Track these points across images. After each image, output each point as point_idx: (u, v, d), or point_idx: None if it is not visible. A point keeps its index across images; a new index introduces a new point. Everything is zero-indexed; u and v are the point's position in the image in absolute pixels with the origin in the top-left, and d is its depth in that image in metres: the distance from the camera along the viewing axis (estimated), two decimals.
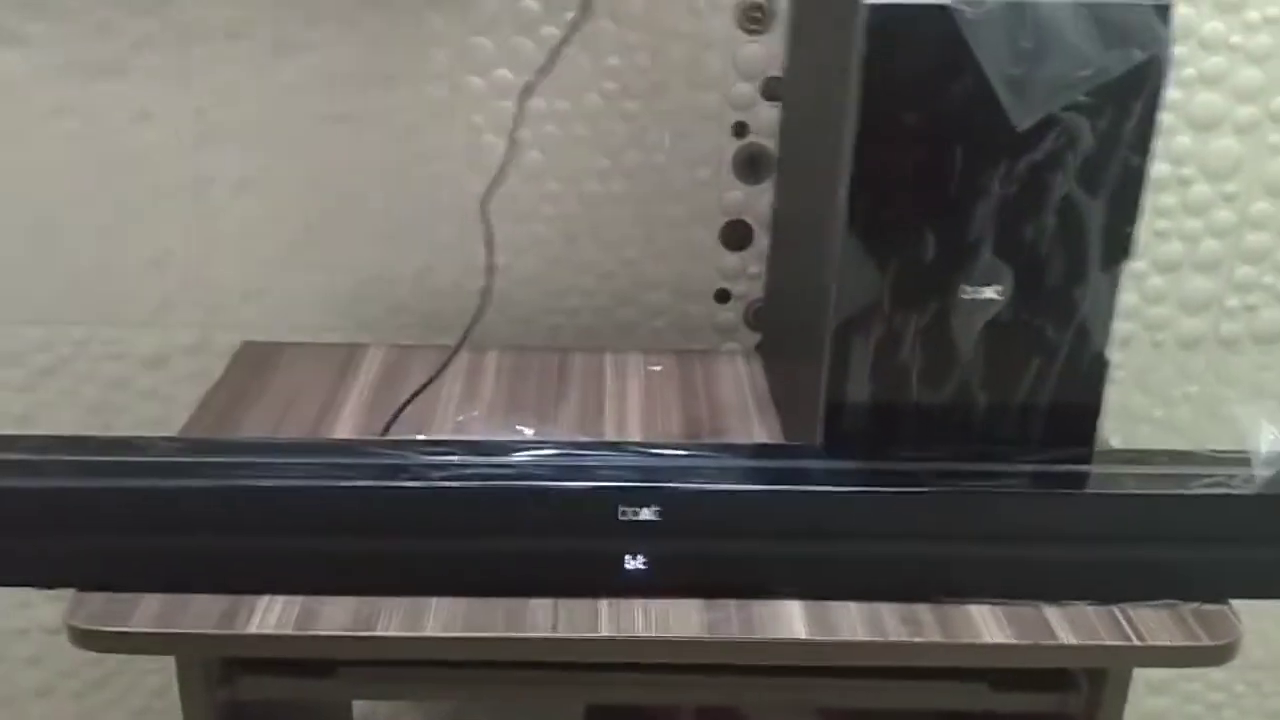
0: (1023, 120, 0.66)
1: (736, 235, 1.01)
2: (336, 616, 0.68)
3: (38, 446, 0.74)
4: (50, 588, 0.71)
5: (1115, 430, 1.07)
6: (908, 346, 0.72)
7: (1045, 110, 0.66)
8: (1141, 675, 1.19)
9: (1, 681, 1.18)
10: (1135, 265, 1.02)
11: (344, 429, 0.87)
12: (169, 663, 0.71)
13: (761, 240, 1.01)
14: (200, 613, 0.68)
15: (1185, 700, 1.20)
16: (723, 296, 1.03)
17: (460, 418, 0.88)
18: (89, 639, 0.68)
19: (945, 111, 0.67)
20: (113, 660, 1.18)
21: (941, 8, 0.65)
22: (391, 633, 0.67)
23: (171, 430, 0.88)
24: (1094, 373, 0.73)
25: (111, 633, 0.67)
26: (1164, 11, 0.65)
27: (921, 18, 0.65)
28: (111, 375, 1.06)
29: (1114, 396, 1.06)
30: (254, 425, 0.87)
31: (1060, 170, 0.68)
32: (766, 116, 0.97)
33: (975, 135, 0.67)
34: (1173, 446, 1.06)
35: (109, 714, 1.20)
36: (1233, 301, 1.03)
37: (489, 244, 0.85)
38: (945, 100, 0.66)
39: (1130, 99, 0.67)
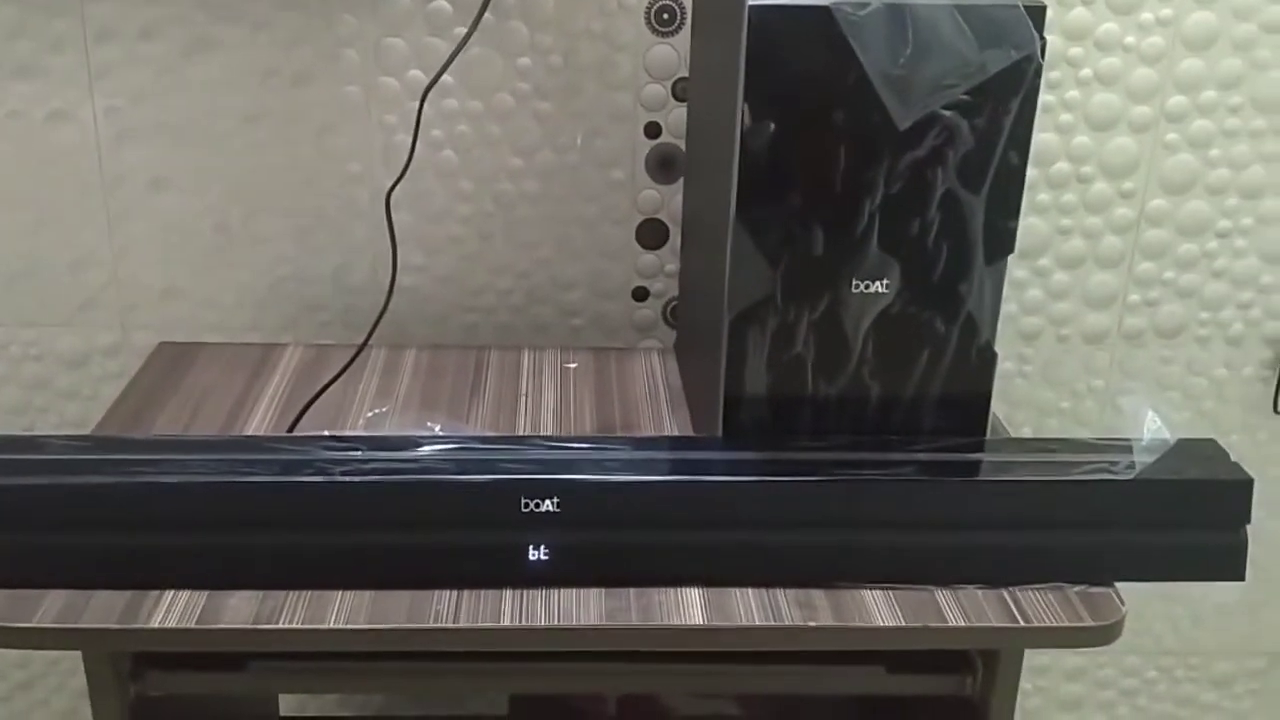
0: (904, 119, 0.68)
1: (653, 234, 1.03)
2: (240, 610, 0.69)
3: None
4: None
5: (1025, 422, 1.10)
6: (801, 340, 0.74)
7: (925, 109, 0.68)
8: (1058, 664, 1.22)
9: None
10: (1040, 261, 1.04)
11: (255, 427, 0.87)
12: None
13: (678, 239, 1.02)
14: (104, 608, 0.69)
15: (1099, 686, 1.23)
16: (640, 294, 1.05)
17: (370, 414, 0.89)
18: None
19: (829, 110, 0.69)
20: (38, 663, 1.18)
21: (823, 9, 0.66)
22: (295, 625, 0.68)
23: (89, 430, 0.88)
24: (982, 364, 0.76)
25: (14, 629, 0.68)
26: (1036, 12, 0.68)
27: (804, 19, 0.67)
28: (32, 376, 1.06)
29: (1022, 390, 1.08)
30: (165, 424, 0.87)
31: (942, 167, 0.70)
32: (678, 117, 0.98)
33: (858, 134, 0.69)
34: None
35: (35, 716, 1.20)
36: (1134, 296, 1.06)
37: (393, 241, 0.86)
38: (829, 99, 0.68)
39: (1007, 97, 0.69)
